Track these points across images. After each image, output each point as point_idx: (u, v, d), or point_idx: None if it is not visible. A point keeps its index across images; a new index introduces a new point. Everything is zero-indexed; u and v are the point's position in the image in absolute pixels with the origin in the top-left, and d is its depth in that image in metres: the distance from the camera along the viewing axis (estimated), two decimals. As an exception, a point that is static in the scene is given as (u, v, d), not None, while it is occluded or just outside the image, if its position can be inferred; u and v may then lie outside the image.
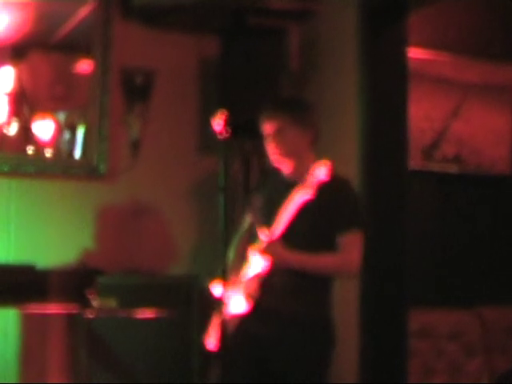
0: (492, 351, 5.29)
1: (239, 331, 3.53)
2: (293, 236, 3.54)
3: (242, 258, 3.68)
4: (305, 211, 3.52)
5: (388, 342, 4.56)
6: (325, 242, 3.55)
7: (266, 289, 3.54)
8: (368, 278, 4.49)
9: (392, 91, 4.66)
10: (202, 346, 3.70)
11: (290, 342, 3.51)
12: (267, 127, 3.68)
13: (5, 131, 4.61)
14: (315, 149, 3.72)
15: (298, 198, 3.50)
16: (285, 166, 3.66)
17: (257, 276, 3.56)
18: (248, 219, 3.81)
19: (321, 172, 3.46)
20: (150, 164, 4.84)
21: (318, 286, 3.58)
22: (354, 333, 4.56)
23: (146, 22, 4.86)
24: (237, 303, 3.54)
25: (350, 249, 3.55)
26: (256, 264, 3.57)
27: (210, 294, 3.60)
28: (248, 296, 3.54)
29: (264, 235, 3.56)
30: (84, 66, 4.83)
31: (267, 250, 3.53)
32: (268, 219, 3.60)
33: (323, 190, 3.55)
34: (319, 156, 3.72)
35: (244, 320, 3.55)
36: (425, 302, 5.10)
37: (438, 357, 5.15)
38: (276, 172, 3.71)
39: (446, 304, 5.29)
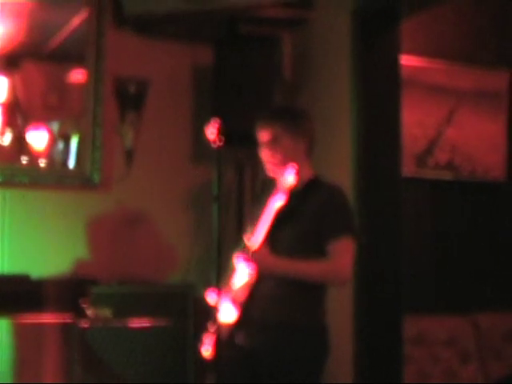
0: (487, 357, 5.29)
1: (230, 342, 3.53)
2: (281, 243, 3.54)
3: None
4: (294, 218, 3.53)
5: (383, 349, 4.56)
6: (314, 249, 3.53)
7: (255, 296, 3.54)
8: (363, 284, 4.50)
9: (385, 98, 4.67)
10: (197, 354, 3.68)
11: (279, 350, 3.50)
12: (262, 135, 3.68)
13: (-2, 141, 4.62)
14: (310, 157, 3.72)
15: (274, 203, 3.51)
16: (280, 175, 3.65)
17: (245, 284, 3.55)
18: (248, 229, 3.80)
19: (290, 175, 3.46)
20: (144, 173, 4.85)
21: (309, 292, 3.56)
22: (349, 339, 4.56)
23: (139, 31, 4.87)
24: (227, 311, 3.53)
25: (341, 255, 3.53)
26: (242, 271, 3.56)
27: (206, 303, 3.60)
28: (237, 303, 3.54)
29: (249, 242, 3.56)
30: (77, 75, 4.83)
31: (252, 257, 3.52)
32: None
33: (314, 196, 3.56)
34: (313, 163, 3.73)
35: (234, 331, 3.54)
36: (420, 308, 5.10)
37: (433, 363, 5.15)
38: (273, 183, 3.70)
39: (441, 310, 5.29)
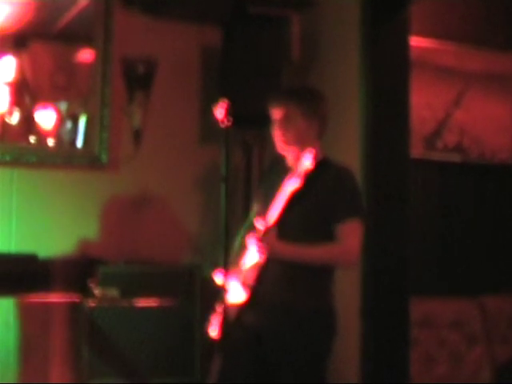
0: (493, 340, 5.29)
1: (237, 323, 3.53)
2: (289, 224, 3.52)
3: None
4: (303, 199, 3.52)
5: (389, 331, 4.56)
6: (322, 231, 3.53)
7: (264, 278, 3.53)
8: (370, 267, 4.50)
9: (394, 80, 4.66)
10: (204, 335, 3.69)
11: (287, 332, 3.50)
12: (276, 113, 3.65)
13: (7, 121, 4.61)
14: (321, 138, 3.70)
15: (288, 186, 3.49)
16: (290, 154, 3.64)
17: (255, 265, 3.55)
18: (256, 209, 3.79)
19: (307, 160, 3.44)
20: (152, 153, 4.84)
21: (316, 274, 3.55)
22: (356, 322, 4.57)
23: (148, 11, 4.85)
24: (235, 292, 3.54)
25: (349, 237, 3.52)
26: (253, 253, 3.55)
27: (213, 283, 3.60)
28: (246, 285, 3.54)
29: (260, 224, 3.55)
30: (85, 55, 4.83)
31: (262, 239, 3.51)
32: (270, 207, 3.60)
33: (323, 178, 3.55)
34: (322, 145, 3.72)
35: (241, 312, 3.54)
36: (426, 291, 5.10)
37: (439, 346, 5.15)
38: (282, 160, 3.70)
39: (447, 293, 5.29)
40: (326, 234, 3.53)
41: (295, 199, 3.51)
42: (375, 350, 4.56)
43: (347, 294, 4.44)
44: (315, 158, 3.45)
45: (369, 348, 4.57)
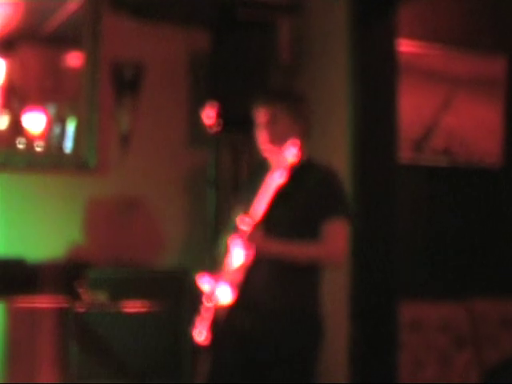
0: (482, 344, 5.30)
1: (225, 325, 3.53)
2: (274, 223, 3.52)
3: None
4: (288, 198, 3.52)
5: (378, 335, 4.57)
6: (307, 231, 3.53)
7: (251, 279, 3.53)
8: (358, 270, 4.51)
9: (382, 84, 4.67)
10: (192, 338, 3.69)
11: (275, 334, 3.51)
12: (260, 115, 3.67)
13: (-5, 124, 4.61)
14: (306, 141, 3.71)
15: (273, 180, 3.49)
16: (274, 156, 3.64)
17: (241, 266, 3.54)
18: (239, 211, 3.79)
19: (290, 153, 3.44)
20: (140, 157, 4.84)
21: (304, 276, 3.56)
22: (344, 325, 4.57)
23: (136, 14, 4.85)
24: (223, 294, 3.53)
25: (335, 237, 3.53)
26: (238, 253, 3.54)
27: (197, 287, 3.60)
28: (233, 286, 3.53)
29: (244, 223, 3.54)
30: (74, 59, 4.82)
31: (248, 239, 3.50)
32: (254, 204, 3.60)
33: (308, 177, 3.56)
34: (310, 148, 3.73)
35: (229, 313, 3.54)
36: (415, 294, 5.10)
37: (427, 349, 5.16)
38: (266, 164, 3.70)
39: (436, 296, 5.29)
40: (311, 235, 3.53)
41: (281, 197, 3.52)
42: (364, 353, 4.56)
43: (336, 297, 4.45)
44: (300, 152, 3.45)
45: (357, 351, 4.57)
